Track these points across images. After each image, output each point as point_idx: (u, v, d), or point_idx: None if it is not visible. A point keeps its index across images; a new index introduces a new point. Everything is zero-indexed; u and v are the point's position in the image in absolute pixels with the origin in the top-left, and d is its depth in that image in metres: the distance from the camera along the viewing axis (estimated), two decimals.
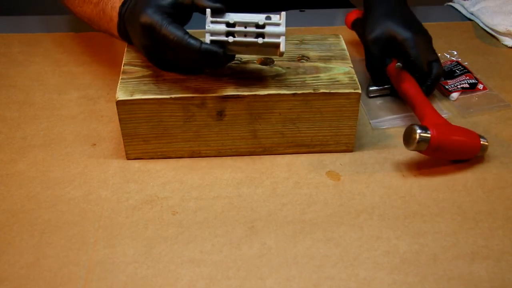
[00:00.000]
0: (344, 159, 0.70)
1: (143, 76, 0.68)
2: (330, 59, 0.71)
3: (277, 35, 0.63)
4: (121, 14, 0.69)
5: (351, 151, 0.71)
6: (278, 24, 0.63)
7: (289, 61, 0.70)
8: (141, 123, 0.66)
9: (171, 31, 0.61)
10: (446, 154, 0.67)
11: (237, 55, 0.68)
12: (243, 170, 0.68)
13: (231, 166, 0.69)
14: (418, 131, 0.65)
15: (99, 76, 0.82)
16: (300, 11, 0.96)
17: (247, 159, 0.70)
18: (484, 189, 0.67)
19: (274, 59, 0.70)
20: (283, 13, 0.63)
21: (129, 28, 0.67)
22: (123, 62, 0.70)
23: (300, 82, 0.67)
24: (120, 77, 0.68)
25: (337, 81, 0.67)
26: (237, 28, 0.63)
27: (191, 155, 0.70)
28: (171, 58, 0.65)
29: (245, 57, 0.70)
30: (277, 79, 0.67)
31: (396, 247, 0.60)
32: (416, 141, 0.65)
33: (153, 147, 0.69)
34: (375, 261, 0.59)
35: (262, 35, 0.63)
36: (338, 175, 0.68)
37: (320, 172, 0.68)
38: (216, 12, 0.63)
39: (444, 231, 0.62)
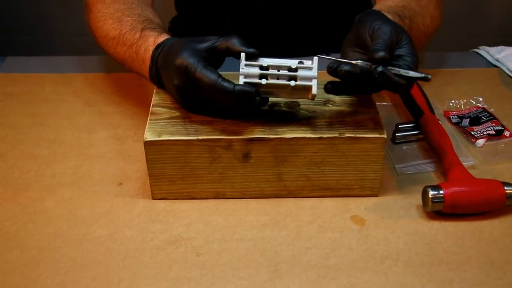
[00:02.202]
0: (369, 204, 0.70)
1: (171, 118, 0.69)
2: (356, 104, 0.71)
3: (309, 79, 0.65)
4: (154, 57, 0.70)
5: (376, 195, 0.70)
6: (310, 68, 0.65)
7: (315, 105, 0.71)
8: (168, 163, 0.67)
9: (205, 74, 0.63)
10: (466, 209, 0.67)
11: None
12: (267, 213, 0.69)
13: (256, 208, 0.69)
14: (431, 192, 0.66)
15: (128, 116, 0.84)
16: (327, 54, 0.97)
17: (271, 201, 0.70)
18: (511, 238, 0.65)
19: (300, 103, 0.71)
20: (315, 58, 0.66)
21: (162, 70, 0.69)
22: (151, 103, 0.71)
23: (325, 126, 0.67)
24: (148, 118, 0.69)
25: (363, 125, 0.68)
26: (270, 71, 0.65)
27: (216, 196, 0.70)
28: (204, 100, 0.67)
29: (272, 100, 0.71)
30: (303, 122, 0.68)
31: None
32: (430, 202, 0.66)
33: (179, 188, 0.69)
34: None
35: (294, 78, 0.65)
36: (363, 220, 0.68)
37: (344, 216, 0.68)
38: (251, 57, 0.65)
39: (471, 280, 0.61)
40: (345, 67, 0.65)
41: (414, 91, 0.83)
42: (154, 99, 0.72)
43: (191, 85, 0.65)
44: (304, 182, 0.69)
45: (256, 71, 0.65)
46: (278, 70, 0.65)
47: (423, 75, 0.64)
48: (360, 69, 0.65)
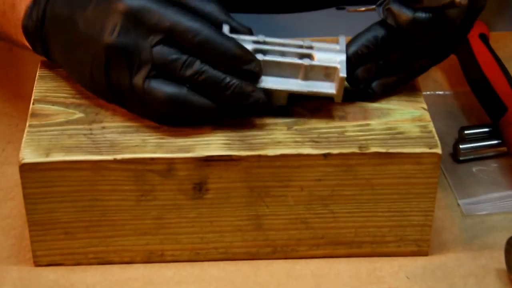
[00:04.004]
0: (414, 268, 0.72)
1: (68, 122, 0.71)
2: (388, 95, 0.75)
3: (333, 60, 0.72)
4: None
5: (425, 254, 0.74)
6: (333, 49, 0.73)
7: None
8: (63, 203, 0.69)
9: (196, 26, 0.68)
10: None
11: None
12: (237, 286, 0.71)
13: (218, 279, 0.71)
14: None
15: None
16: (338, 9, 1.01)
17: (245, 266, 0.72)
18: None
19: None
20: (342, 38, 0.73)
21: (64, 17, 0.71)
22: (32, 97, 0.74)
23: (336, 135, 0.71)
24: (27, 123, 0.71)
25: (400, 132, 0.71)
26: (269, 46, 0.72)
27: (148, 259, 0.73)
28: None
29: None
30: (298, 128, 0.71)
31: None
32: None
33: (82, 245, 0.72)
34: None
35: (308, 56, 0.72)
36: None
37: None
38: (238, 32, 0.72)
39: None
40: (352, 48, 0.72)
41: (492, 70, 0.87)
42: (38, 87, 0.75)
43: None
44: (300, 231, 0.72)
45: (248, 44, 0.71)
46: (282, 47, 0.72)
47: None
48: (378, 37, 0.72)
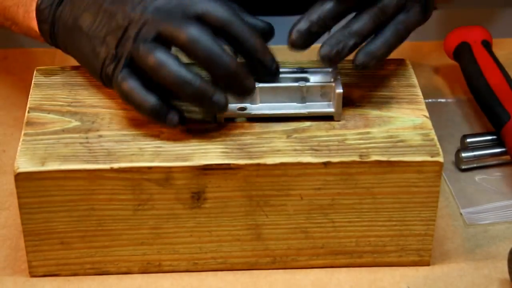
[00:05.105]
0: (416, 279, 0.73)
1: (64, 131, 0.72)
2: (390, 103, 0.76)
3: (327, 77, 0.75)
4: None
5: (427, 264, 0.74)
6: (326, 72, 0.77)
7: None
8: (59, 212, 0.70)
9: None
10: None
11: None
12: None
13: None
14: None
15: None
16: None
17: (243, 276, 0.73)
18: None
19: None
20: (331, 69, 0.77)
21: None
22: (28, 105, 0.75)
23: (336, 143, 0.72)
24: (22, 132, 0.72)
25: (401, 141, 0.72)
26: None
27: (146, 270, 0.73)
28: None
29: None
30: (297, 136, 0.72)
31: None
32: None
33: (79, 256, 0.72)
34: None
35: (303, 79, 0.75)
36: None
37: None
38: None
39: None
40: (300, 26, 0.73)
41: (494, 78, 0.88)
42: (33, 96, 0.76)
43: None
44: (300, 241, 0.73)
45: None
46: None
47: None
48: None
